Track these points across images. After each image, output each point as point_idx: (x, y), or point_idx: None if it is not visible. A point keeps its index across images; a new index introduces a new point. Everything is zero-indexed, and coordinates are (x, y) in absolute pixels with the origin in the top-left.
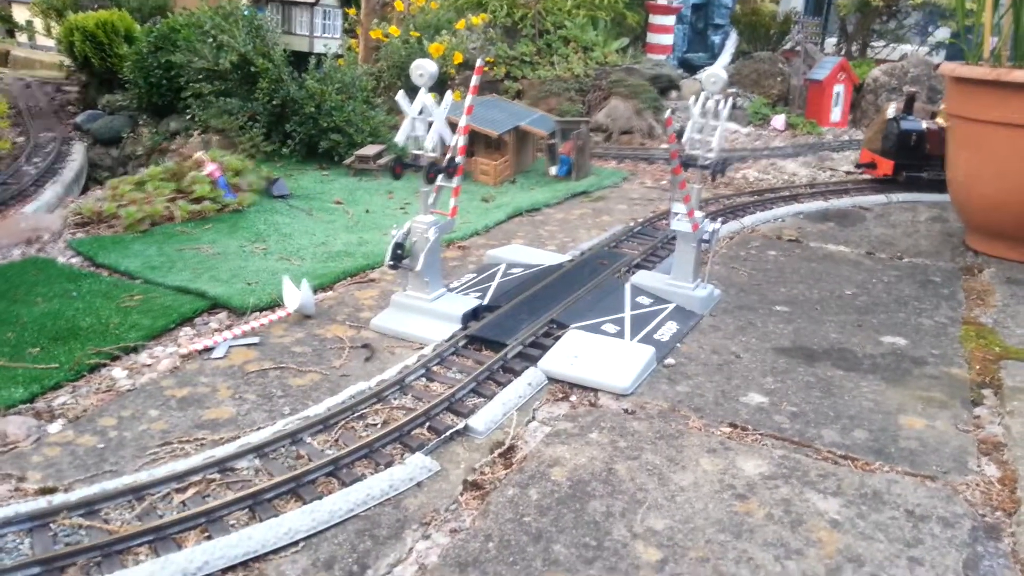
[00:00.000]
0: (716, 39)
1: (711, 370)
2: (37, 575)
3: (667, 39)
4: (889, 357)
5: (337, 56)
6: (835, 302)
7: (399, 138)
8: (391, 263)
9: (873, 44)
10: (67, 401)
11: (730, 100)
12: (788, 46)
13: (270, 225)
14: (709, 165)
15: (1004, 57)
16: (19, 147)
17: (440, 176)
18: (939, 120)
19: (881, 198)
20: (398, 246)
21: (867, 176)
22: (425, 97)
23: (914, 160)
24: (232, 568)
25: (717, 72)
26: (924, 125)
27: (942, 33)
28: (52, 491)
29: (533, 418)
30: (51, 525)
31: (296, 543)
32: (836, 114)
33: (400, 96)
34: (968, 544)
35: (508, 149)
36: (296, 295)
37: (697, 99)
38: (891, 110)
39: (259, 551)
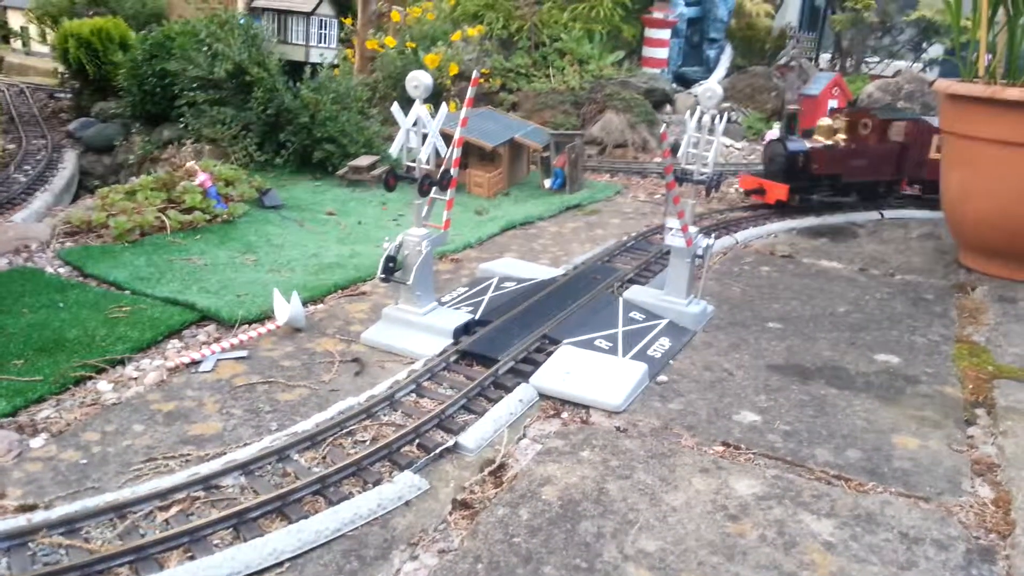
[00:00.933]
0: (711, 53)
1: (704, 387)
2: None
3: (662, 53)
4: (882, 375)
5: (332, 66)
6: (828, 319)
7: (394, 149)
8: (383, 276)
9: (868, 60)
10: (51, 415)
11: (725, 115)
12: (783, 61)
13: (261, 236)
14: (704, 180)
15: (999, 74)
16: (10, 154)
17: (434, 188)
18: (819, 138)
19: (874, 215)
20: (390, 259)
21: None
22: (420, 109)
23: (805, 182)
24: None
25: (713, 87)
26: (808, 144)
27: (936, 50)
28: (32, 508)
29: (524, 435)
30: (30, 544)
31: (281, 564)
32: None
33: (395, 108)
34: (963, 567)
35: (502, 162)
36: (286, 308)
37: (693, 114)
38: (774, 131)
39: (243, 572)
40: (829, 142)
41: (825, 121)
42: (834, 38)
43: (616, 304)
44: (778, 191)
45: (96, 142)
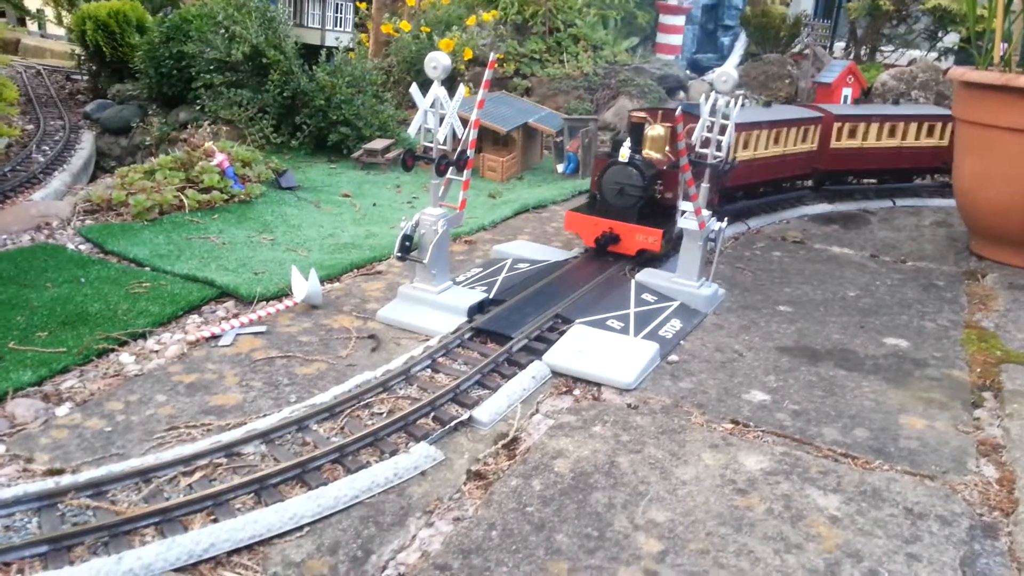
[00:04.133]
0: (726, 40)
1: (714, 367)
2: (45, 553)
3: (676, 39)
4: (891, 358)
5: (348, 50)
6: (838, 303)
7: (411, 130)
8: (399, 254)
9: (882, 48)
10: (75, 385)
11: (740, 100)
12: (797, 49)
13: (278, 216)
14: (718, 164)
15: (1014, 63)
16: (28, 135)
17: (451, 169)
18: (651, 153)
19: (887, 202)
20: (406, 238)
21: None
22: (438, 90)
23: (670, 220)
24: (237, 551)
25: (728, 72)
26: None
27: (951, 38)
28: (60, 472)
29: (537, 411)
30: (59, 505)
31: (301, 528)
32: None
33: (414, 89)
34: (965, 542)
35: (516, 146)
36: (303, 285)
37: (707, 99)
38: (624, 150)
39: (264, 535)
40: (658, 156)
41: (656, 130)
42: (849, 26)
43: (628, 286)
44: (646, 237)
45: (113, 124)
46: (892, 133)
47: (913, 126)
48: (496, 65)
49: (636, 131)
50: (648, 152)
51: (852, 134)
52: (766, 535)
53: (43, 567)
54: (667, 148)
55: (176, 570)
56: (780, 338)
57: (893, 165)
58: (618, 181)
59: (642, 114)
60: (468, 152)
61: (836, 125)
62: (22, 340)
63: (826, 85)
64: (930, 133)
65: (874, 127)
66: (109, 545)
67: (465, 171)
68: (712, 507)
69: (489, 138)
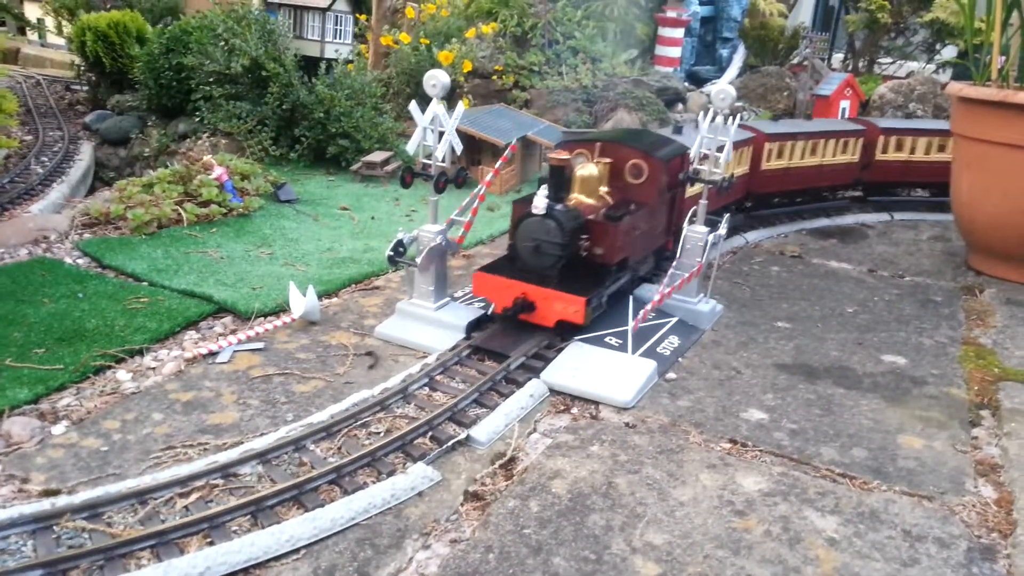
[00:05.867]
0: (724, 52)
1: (712, 385)
2: None
3: (675, 52)
4: (889, 376)
5: (347, 62)
6: (836, 319)
7: (410, 147)
8: (390, 253)
9: (880, 61)
10: (71, 403)
11: (738, 116)
12: (796, 61)
13: (276, 230)
14: (716, 180)
15: (1012, 78)
16: (27, 145)
17: (450, 185)
18: (580, 197)
19: (884, 216)
20: (399, 243)
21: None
22: (437, 107)
23: (596, 282)
24: (233, 574)
25: (726, 88)
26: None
27: (949, 52)
28: (55, 493)
29: (534, 430)
30: (54, 527)
31: (297, 550)
32: None
33: (412, 106)
34: (964, 565)
35: (514, 158)
36: (301, 301)
37: (705, 114)
38: (538, 199)
39: (261, 558)
40: (591, 202)
41: (587, 170)
42: (847, 38)
43: (626, 302)
44: (565, 307)
45: (112, 134)
46: (814, 151)
47: (832, 143)
48: (511, 154)
49: (557, 174)
50: (577, 197)
51: (780, 154)
52: (764, 558)
53: None
54: (603, 189)
55: None
56: (778, 355)
57: (815, 184)
58: (534, 236)
59: (564, 155)
60: (482, 190)
61: (767, 146)
62: (19, 357)
63: (824, 97)
64: (844, 150)
65: (799, 145)
66: (104, 569)
67: (477, 203)
68: (710, 529)
69: (488, 150)
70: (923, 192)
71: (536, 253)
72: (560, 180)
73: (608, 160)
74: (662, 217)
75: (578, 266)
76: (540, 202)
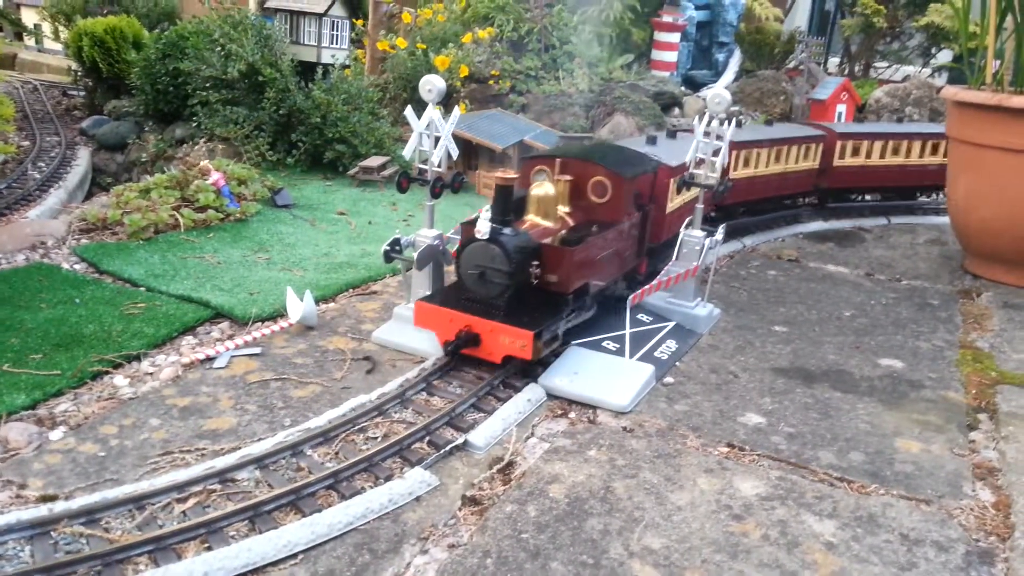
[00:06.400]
0: (720, 57)
1: (709, 389)
2: None
3: (671, 56)
4: (886, 380)
5: (344, 67)
6: (833, 323)
7: (407, 152)
8: (386, 247)
9: (876, 65)
10: (69, 408)
11: (734, 121)
12: (791, 65)
13: (273, 235)
14: (712, 185)
15: (1006, 82)
16: (24, 151)
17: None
18: (535, 219)
19: (882, 220)
20: (395, 241)
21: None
22: (433, 112)
23: (550, 313)
24: None
25: (721, 93)
26: (532, 238)
27: (945, 56)
28: (53, 499)
29: (532, 434)
30: (52, 533)
31: (295, 555)
32: None
33: (408, 111)
34: (962, 569)
35: (511, 163)
36: (299, 306)
37: (701, 119)
38: (482, 223)
39: (258, 563)
40: (547, 224)
41: (543, 189)
42: (843, 43)
43: (622, 307)
44: (512, 341)
45: (109, 140)
46: (778, 158)
47: (795, 149)
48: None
49: (503, 194)
50: (532, 219)
51: (747, 162)
52: (762, 562)
53: None
54: (563, 210)
55: None
56: (775, 359)
57: (780, 192)
58: (478, 263)
59: (510, 174)
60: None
61: (733, 153)
62: (16, 362)
63: (820, 102)
64: (806, 156)
65: (764, 153)
66: (102, 574)
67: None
68: (708, 533)
69: (485, 155)
70: (873, 197)
71: (481, 281)
72: (507, 201)
73: (569, 178)
74: (631, 239)
75: (531, 295)
76: (484, 226)
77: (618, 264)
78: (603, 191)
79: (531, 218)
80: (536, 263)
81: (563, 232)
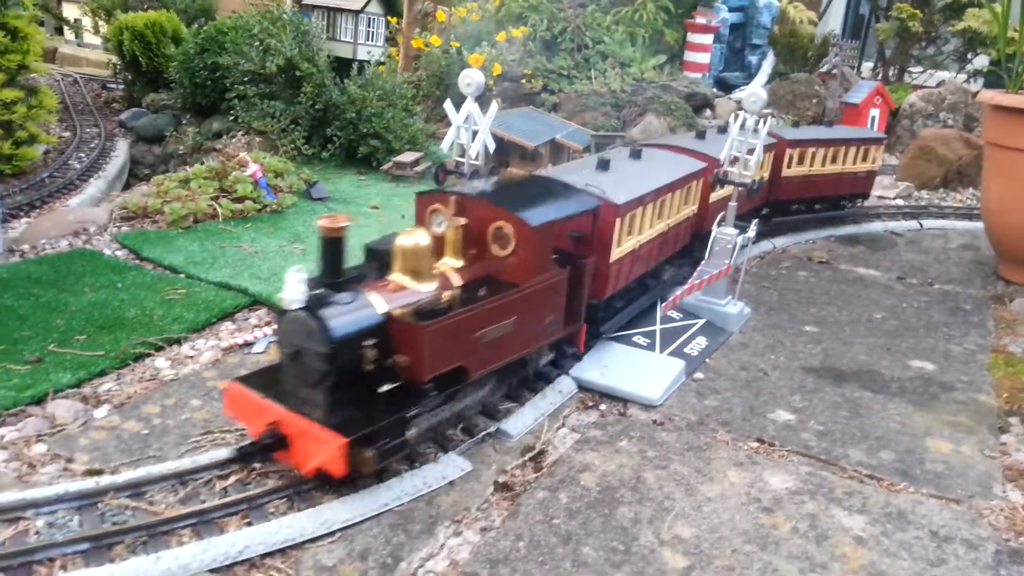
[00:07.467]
0: (753, 59)
1: (739, 386)
2: (86, 551)
3: (704, 57)
4: (917, 381)
5: (379, 63)
6: (864, 325)
7: (445, 145)
8: None
9: (911, 70)
10: (112, 388)
11: (768, 120)
12: (825, 68)
13: (308, 226)
14: (745, 183)
15: None
16: (65, 142)
17: None
18: (400, 279)
19: (913, 224)
20: None
21: None
22: (472, 106)
23: (391, 415)
24: (271, 554)
25: (757, 92)
26: (376, 307)
27: (981, 60)
28: (99, 473)
29: (563, 425)
30: (99, 505)
31: (333, 533)
32: None
33: (448, 105)
34: (992, 567)
35: (543, 161)
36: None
37: (736, 118)
38: (292, 286)
39: (297, 539)
40: (416, 285)
41: (412, 239)
42: (878, 47)
43: (654, 303)
44: (319, 449)
45: (147, 132)
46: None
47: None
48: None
49: (331, 248)
50: (397, 278)
51: None
52: (791, 554)
53: (84, 564)
54: (450, 265)
55: (212, 571)
56: (805, 358)
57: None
58: (292, 341)
59: (340, 221)
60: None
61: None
62: (61, 343)
63: (854, 105)
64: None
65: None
66: (148, 544)
67: None
68: (737, 524)
69: (516, 153)
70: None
71: (296, 365)
72: (336, 256)
73: (463, 221)
74: (550, 302)
75: (367, 385)
76: (292, 290)
77: (525, 337)
78: (505, 241)
79: (396, 277)
80: (374, 341)
81: (435, 296)
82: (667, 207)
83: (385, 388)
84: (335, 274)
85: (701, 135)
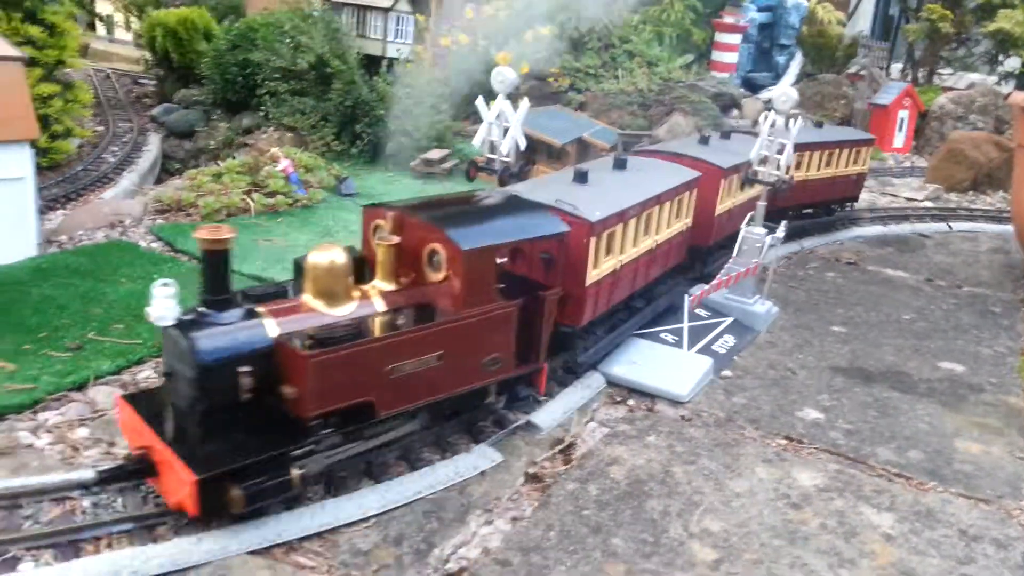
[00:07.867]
0: (781, 59)
1: (767, 384)
2: (131, 531)
3: (731, 57)
4: (946, 382)
5: (407, 61)
6: (893, 326)
7: (476, 141)
8: None
9: (941, 71)
10: (150, 376)
11: (799, 120)
12: (853, 69)
13: (338, 221)
14: (775, 182)
15: None
16: (99, 136)
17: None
18: (313, 302)
19: (942, 226)
20: None
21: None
22: (503, 103)
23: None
24: (308, 538)
25: (788, 91)
26: (267, 330)
27: (1013, 63)
28: None
29: (592, 419)
30: (141, 487)
31: (368, 519)
32: (899, 140)
33: (479, 101)
34: (1021, 567)
35: (570, 159)
36: None
37: (767, 117)
38: (159, 301)
39: (333, 524)
40: (326, 310)
41: (328, 257)
42: (907, 48)
43: (682, 301)
44: (180, 486)
45: (178, 127)
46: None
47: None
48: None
49: (214, 262)
50: (305, 299)
51: None
52: (820, 549)
53: (129, 543)
54: (377, 287)
55: (251, 552)
56: (833, 358)
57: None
58: (168, 360)
59: (222, 233)
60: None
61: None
62: (100, 331)
63: (883, 107)
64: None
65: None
66: (189, 524)
67: None
68: (766, 519)
69: (544, 151)
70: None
71: (171, 387)
72: (219, 270)
73: (395, 240)
74: (491, 339)
75: (262, 414)
76: (159, 306)
77: (457, 375)
78: (438, 264)
79: (304, 298)
80: (250, 368)
81: (347, 322)
82: (655, 222)
83: (274, 422)
84: (217, 291)
85: (705, 140)
